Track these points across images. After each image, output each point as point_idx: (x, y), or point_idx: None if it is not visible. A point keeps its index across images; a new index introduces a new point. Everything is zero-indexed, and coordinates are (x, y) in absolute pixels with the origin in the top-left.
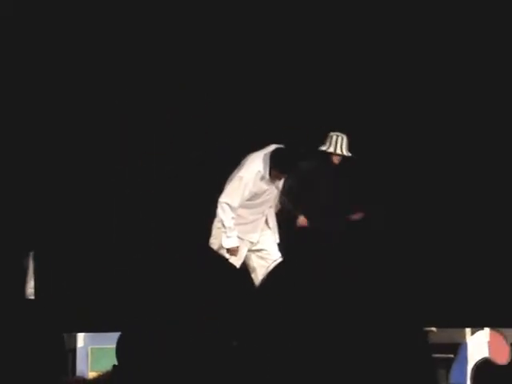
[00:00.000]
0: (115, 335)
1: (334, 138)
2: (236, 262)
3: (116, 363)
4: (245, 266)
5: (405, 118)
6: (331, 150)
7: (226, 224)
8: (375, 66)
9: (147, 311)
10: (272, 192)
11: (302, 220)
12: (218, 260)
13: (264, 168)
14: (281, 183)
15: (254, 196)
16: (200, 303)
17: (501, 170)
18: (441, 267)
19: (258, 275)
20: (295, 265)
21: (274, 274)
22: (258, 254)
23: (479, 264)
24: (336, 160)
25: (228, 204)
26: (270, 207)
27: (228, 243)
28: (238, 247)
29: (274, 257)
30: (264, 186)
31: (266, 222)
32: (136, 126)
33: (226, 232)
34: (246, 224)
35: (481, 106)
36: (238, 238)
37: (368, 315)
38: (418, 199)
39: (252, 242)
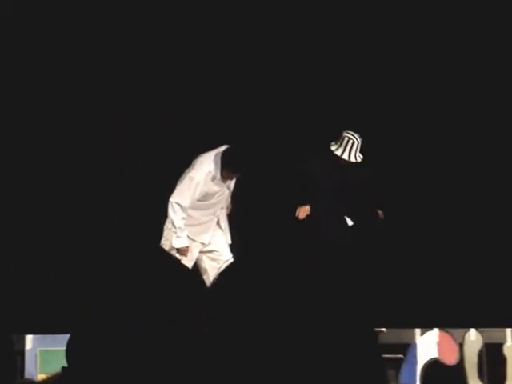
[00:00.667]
0: (64, 337)
1: (346, 139)
2: (187, 263)
3: (65, 365)
4: (197, 268)
5: (408, 118)
6: (338, 152)
7: (176, 224)
8: (380, 67)
9: (97, 313)
10: (223, 193)
11: (303, 210)
12: (169, 261)
13: (215, 168)
14: (232, 183)
15: (205, 196)
16: (152, 304)
17: (497, 172)
18: (391, 268)
19: (210, 276)
20: (246, 266)
21: (225, 275)
22: (210, 255)
23: (428, 265)
24: (343, 162)
25: (178, 204)
26: (222, 208)
27: (178, 243)
28: (188, 247)
29: (226, 257)
30: (215, 186)
31: (218, 223)
32: (136, 125)
33: (176, 232)
34: (198, 225)
35: (483, 105)
36: (190, 239)
37: (319, 316)
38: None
39: (203, 243)
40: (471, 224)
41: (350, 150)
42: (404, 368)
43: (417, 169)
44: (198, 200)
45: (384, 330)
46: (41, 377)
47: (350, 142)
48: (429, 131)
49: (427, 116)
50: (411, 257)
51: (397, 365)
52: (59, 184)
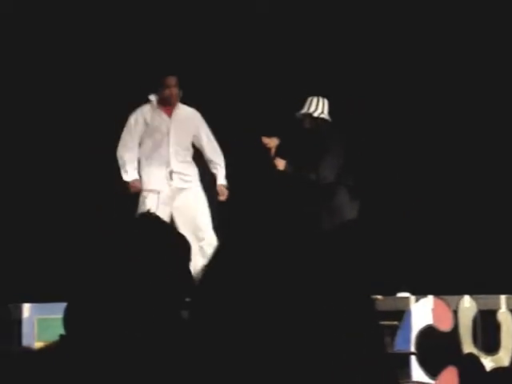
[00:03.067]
0: (62, 305)
1: (315, 100)
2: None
3: (63, 333)
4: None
5: (404, 114)
6: (311, 110)
7: (120, 162)
8: (378, 66)
9: (93, 280)
10: (171, 131)
11: (280, 162)
12: (159, 230)
13: (151, 100)
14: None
15: (148, 131)
16: (146, 272)
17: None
18: (386, 236)
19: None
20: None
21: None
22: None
23: (423, 232)
24: (308, 124)
25: (120, 151)
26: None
27: (125, 177)
28: (138, 180)
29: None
30: (155, 116)
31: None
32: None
33: (122, 168)
34: (150, 171)
35: (481, 99)
36: (146, 190)
37: (316, 283)
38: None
39: (158, 192)
40: (465, 191)
41: (322, 107)
42: (399, 334)
43: (413, 145)
44: (144, 137)
45: (380, 297)
46: (38, 345)
47: (321, 100)
48: (428, 124)
49: (427, 111)
50: (406, 224)
51: (392, 331)
52: (63, 158)
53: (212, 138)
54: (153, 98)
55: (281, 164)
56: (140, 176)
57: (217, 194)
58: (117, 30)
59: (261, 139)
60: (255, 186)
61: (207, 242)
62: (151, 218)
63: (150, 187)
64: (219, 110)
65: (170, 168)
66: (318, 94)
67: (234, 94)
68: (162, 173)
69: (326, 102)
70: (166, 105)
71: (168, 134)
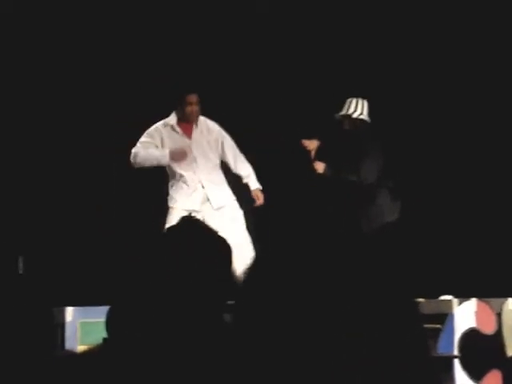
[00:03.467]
0: (104, 309)
1: (355, 101)
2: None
3: (105, 336)
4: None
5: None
6: (350, 112)
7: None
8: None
9: (136, 284)
10: (200, 147)
11: (319, 165)
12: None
13: (169, 119)
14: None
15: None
16: (189, 277)
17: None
18: (428, 239)
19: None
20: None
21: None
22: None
23: (466, 235)
24: (347, 125)
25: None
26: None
27: (163, 154)
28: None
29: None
30: (177, 137)
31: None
32: (135, 126)
33: (152, 155)
34: (182, 188)
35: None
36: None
37: (359, 286)
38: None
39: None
40: (505, 190)
41: (362, 108)
42: (442, 338)
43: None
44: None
45: (422, 300)
46: (81, 349)
47: (360, 101)
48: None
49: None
50: (448, 227)
51: (435, 335)
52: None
53: (236, 149)
54: (172, 118)
55: (320, 167)
56: (173, 197)
57: (253, 199)
58: (116, 30)
59: (300, 142)
60: (294, 190)
61: (247, 250)
62: (193, 221)
63: (185, 208)
64: (258, 114)
65: (204, 191)
66: (358, 96)
67: (272, 96)
68: (198, 197)
69: (365, 103)
70: (186, 122)
71: (193, 157)
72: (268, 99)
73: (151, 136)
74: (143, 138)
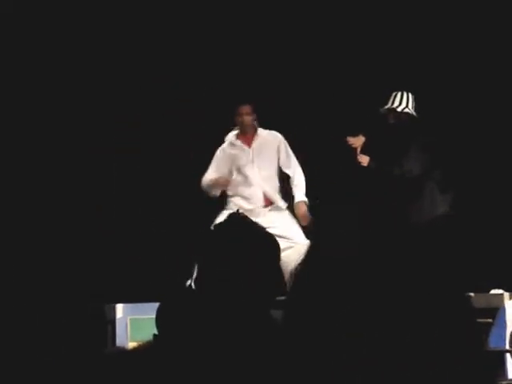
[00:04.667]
0: (154, 305)
1: (399, 95)
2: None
3: (155, 333)
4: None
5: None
6: (395, 105)
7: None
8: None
9: (186, 281)
10: (254, 160)
11: (363, 158)
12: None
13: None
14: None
15: (234, 168)
16: (237, 273)
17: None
18: (478, 234)
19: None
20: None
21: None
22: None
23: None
24: (392, 119)
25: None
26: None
27: (208, 179)
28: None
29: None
30: (235, 150)
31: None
32: (135, 125)
33: (206, 186)
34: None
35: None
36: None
37: (412, 283)
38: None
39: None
40: None
41: (406, 101)
42: (493, 332)
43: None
44: (234, 174)
45: (472, 294)
46: (132, 345)
47: (405, 94)
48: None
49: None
50: (500, 220)
51: (486, 329)
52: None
53: (294, 160)
54: (232, 132)
55: (365, 160)
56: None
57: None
58: (115, 30)
59: (345, 139)
60: (341, 185)
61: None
62: (240, 217)
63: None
64: (302, 112)
65: (264, 203)
66: (404, 89)
67: (315, 93)
68: (257, 208)
69: (410, 96)
70: (245, 134)
71: (253, 165)
72: (312, 96)
73: (216, 159)
74: (211, 164)
